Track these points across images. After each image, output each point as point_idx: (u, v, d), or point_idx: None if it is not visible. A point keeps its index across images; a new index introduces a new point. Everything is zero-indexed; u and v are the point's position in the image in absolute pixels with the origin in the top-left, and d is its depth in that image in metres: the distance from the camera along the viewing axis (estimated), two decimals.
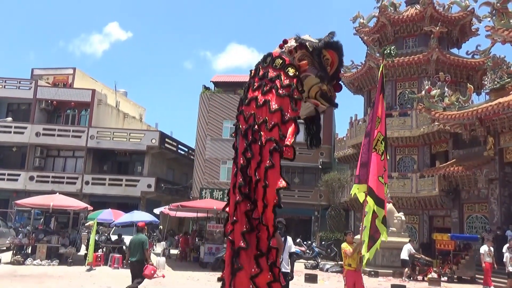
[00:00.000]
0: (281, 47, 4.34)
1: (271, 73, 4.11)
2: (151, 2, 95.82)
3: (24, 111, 31.69)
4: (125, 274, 13.76)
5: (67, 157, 31.58)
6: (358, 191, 10.81)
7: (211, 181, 30.38)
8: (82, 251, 16.97)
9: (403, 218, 18.59)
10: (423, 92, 20.42)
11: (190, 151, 36.09)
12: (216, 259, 16.54)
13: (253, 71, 4.37)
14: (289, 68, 4.08)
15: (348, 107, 73.61)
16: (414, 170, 22.67)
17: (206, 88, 32.64)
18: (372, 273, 16.80)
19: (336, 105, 4.50)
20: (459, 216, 20.63)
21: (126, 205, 28.27)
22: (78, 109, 31.73)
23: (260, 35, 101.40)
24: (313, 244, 23.10)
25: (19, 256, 15.22)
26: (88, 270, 14.40)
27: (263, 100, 4.02)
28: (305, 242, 23.68)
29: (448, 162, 20.91)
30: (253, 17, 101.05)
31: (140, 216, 16.71)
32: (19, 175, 29.95)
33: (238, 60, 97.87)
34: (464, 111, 18.65)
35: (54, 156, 31.64)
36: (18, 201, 16.68)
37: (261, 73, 4.27)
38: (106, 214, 17.67)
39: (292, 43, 4.29)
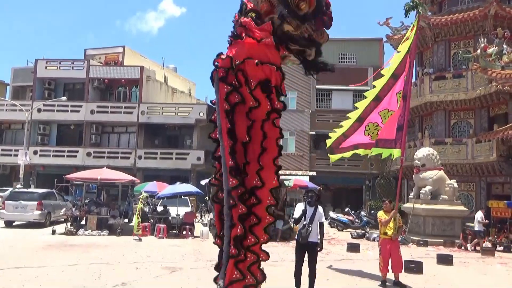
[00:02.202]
0: None
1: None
2: None
3: (79, 90, 33.07)
4: (168, 244, 14.22)
5: (121, 133, 32.78)
6: (394, 154, 10.28)
7: None
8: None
9: (455, 185, 17.57)
10: (478, 51, 18.87)
11: None
12: None
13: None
14: (248, 14, 3.74)
15: None
16: (470, 135, 21.27)
17: None
18: (421, 242, 16.13)
19: (317, 45, 4.04)
20: None
21: (178, 178, 28.98)
22: (128, 86, 32.67)
23: None
24: (362, 213, 22.59)
25: (72, 227, 16.08)
26: (135, 240, 14.94)
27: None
28: (353, 212, 23.19)
29: (507, 125, 19.39)
30: None
31: (183, 187, 17.02)
32: (77, 151, 31.53)
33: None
34: None
35: (108, 133, 32.95)
36: (68, 176, 17.52)
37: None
38: (151, 186, 18.17)
39: None
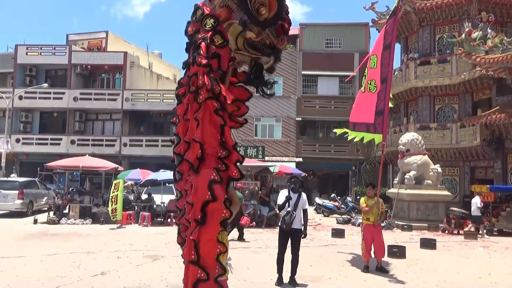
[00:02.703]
0: None
1: (200, 33, 3.77)
2: None
3: (61, 77, 32.42)
4: (152, 232, 14.08)
5: (105, 120, 32.33)
6: (376, 140, 10.21)
7: (245, 139, 30.27)
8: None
9: (440, 170, 17.69)
10: (463, 35, 18.84)
11: None
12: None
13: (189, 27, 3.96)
14: (206, 20, 3.60)
15: None
16: (454, 120, 21.36)
17: None
18: (406, 227, 16.25)
19: (277, 51, 4.01)
20: (503, 167, 19.41)
21: (164, 165, 28.74)
22: (112, 72, 32.11)
23: None
24: (348, 198, 22.66)
25: (54, 216, 15.84)
26: (118, 228, 14.77)
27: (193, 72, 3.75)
28: (339, 197, 23.26)
29: (491, 110, 19.51)
30: None
31: (166, 175, 16.82)
32: (61, 139, 31.03)
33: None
34: (509, 53, 17.09)
35: (92, 120, 32.47)
36: (49, 164, 17.21)
37: (191, 30, 3.85)
38: (135, 174, 17.94)
39: None
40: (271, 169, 17.61)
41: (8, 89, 31.49)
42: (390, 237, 13.95)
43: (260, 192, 18.29)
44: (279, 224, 7.88)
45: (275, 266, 7.60)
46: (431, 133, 21.25)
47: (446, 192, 17.81)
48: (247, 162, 19.37)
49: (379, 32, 25.61)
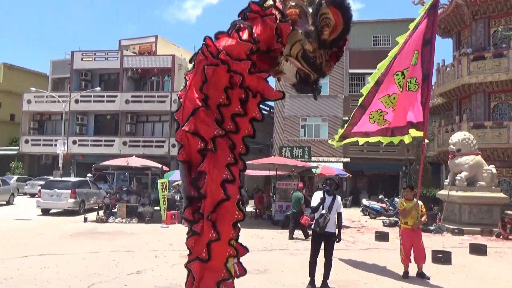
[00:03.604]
0: None
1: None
2: None
3: (114, 81, 33.77)
4: None
5: (155, 122, 33.30)
6: (412, 134, 9.66)
7: (291, 139, 30.11)
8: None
9: (494, 171, 16.65)
10: None
11: (271, 110, 35.95)
12: (285, 217, 16.43)
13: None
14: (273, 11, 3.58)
15: (436, 51, 67.55)
16: None
17: None
18: (456, 231, 15.44)
19: (322, 75, 3.87)
20: None
21: None
22: (161, 75, 33.06)
23: None
24: (396, 200, 21.89)
25: (102, 215, 16.46)
26: (162, 227, 15.11)
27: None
28: (387, 199, 22.55)
29: None
30: None
31: None
32: (113, 140, 32.30)
33: None
34: None
35: (143, 122, 33.55)
36: (97, 164, 17.90)
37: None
38: (178, 174, 18.27)
39: None
40: (313, 170, 17.33)
41: (66, 93, 33.22)
42: (439, 241, 13.35)
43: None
44: (312, 227, 7.70)
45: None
46: (486, 132, 20.10)
47: (501, 195, 16.74)
48: (291, 163, 19.25)
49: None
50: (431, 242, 12.76)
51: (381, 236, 13.57)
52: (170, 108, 31.36)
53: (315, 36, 3.66)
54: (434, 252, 10.07)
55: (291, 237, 13.27)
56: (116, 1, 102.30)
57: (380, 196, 23.60)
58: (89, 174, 24.89)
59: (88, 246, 10.85)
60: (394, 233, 14.65)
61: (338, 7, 3.70)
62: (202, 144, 3.54)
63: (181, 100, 3.69)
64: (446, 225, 16.20)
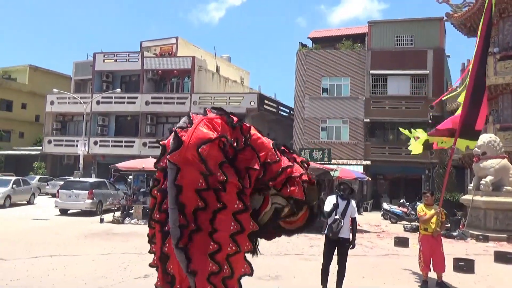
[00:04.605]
0: None
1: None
2: None
3: (135, 82, 34.02)
4: None
5: (174, 123, 32.46)
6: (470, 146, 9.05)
7: (311, 141, 29.70)
8: None
9: None
10: None
11: (291, 112, 35.63)
12: None
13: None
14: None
15: (462, 51, 66.04)
16: None
17: (303, 46, 31.49)
18: (481, 237, 14.81)
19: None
20: None
21: None
22: (181, 77, 33.13)
23: None
24: (418, 204, 21.24)
25: (119, 216, 16.44)
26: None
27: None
28: (408, 203, 21.92)
29: None
30: None
31: None
32: (134, 141, 32.52)
33: (355, 10, 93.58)
34: None
35: (163, 123, 33.66)
36: (116, 165, 17.91)
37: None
38: None
39: None
40: (332, 173, 16.92)
41: (88, 94, 33.63)
42: (462, 248, 12.80)
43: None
44: (325, 232, 7.38)
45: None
46: None
47: None
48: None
49: (454, 26, 23.97)
50: (453, 248, 12.24)
51: (401, 242, 13.10)
52: (189, 109, 31.31)
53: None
54: (456, 260, 9.59)
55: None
56: (140, 3, 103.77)
57: (401, 200, 23.00)
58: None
59: (101, 248, 10.75)
60: (414, 239, 14.09)
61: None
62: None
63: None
64: (470, 231, 15.57)
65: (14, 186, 21.59)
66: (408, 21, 30.12)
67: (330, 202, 7.42)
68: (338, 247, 7.16)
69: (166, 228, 3.15)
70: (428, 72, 28.60)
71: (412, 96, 28.87)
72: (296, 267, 9.25)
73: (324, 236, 7.48)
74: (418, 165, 28.57)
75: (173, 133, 3.19)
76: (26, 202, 22.65)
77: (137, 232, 13.99)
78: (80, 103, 30.91)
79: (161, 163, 3.31)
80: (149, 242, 3.42)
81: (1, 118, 42.47)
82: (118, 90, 30.02)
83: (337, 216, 7.12)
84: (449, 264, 8.53)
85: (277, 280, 8.02)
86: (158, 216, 3.28)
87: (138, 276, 7.87)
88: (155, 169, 3.63)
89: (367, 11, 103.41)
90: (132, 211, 17.27)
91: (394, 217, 20.48)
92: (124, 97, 32.79)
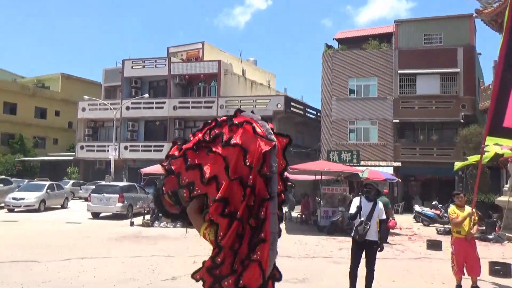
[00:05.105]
0: None
1: None
2: None
3: (162, 87, 34.55)
4: None
5: None
6: None
7: (339, 143, 29.37)
8: None
9: None
10: None
11: (318, 114, 35.37)
12: (331, 223, 15.91)
13: None
14: None
15: (493, 48, 63.91)
16: None
17: (329, 47, 31.23)
18: None
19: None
20: None
21: None
22: (207, 81, 33.41)
23: None
24: (451, 206, 20.66)
25: (148, 219, 16.65)
26: None
27: None
28: (441, 205, 21.34)
29: None
30: None
31: None
32: (162, 146, 32.89)
33: (382, 10, 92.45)
34: None
35: (190, 127, 33.95)
36: (142, 170, 18.18)
37: None
38: None
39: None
40: (360, 174, 16.68)
41: (117, 100, 34.33)
42: (498, 252, 12.35)
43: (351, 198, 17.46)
44: (352, 235, 7.24)
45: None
46: None
47: None
48: (335, 168, 18.66)
49: (485, 23, 23.21)
50: (489, 252, 11.82)
51: (434, 245, 12.74)
52: (216, 113, 31.52)
53: None
54: (492, 264, 9.23)
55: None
56: (166, 10, 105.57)
57: (434, 202, 22.41)
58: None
59: (130, 250, 10.90)
60: (448, 242, 13.71)
61: None
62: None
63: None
64: (507, 234, 15.01)
65: (48, 190, 22.25)
66: (436, 19, 29.43)
67: (355, 204, 7.28)
68: (365, 249, 7.01)
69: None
70: (458, 70, 27.86)
71: (442, 95, 28.18)
72: (324, 270, 9.12)
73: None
74: (451, 166, 27.61)
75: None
76: (60, 206, 23.27)
77: (166, 235, 14.13)
78: (110, 109, 31.58)
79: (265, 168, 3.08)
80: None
81: (36, 125, 43.94)
82: (146, 95, 30.57)
83: (362, 218, 6.98)
84: (484, 268, 8.23)
85: (305, 283, 7.92)
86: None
87: (166, 278, 7.92)
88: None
89: (394, 10, 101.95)
90: (161, 215, 17.46)
91: (426, 220, 19.99)
92: (152, 103, 33.32)
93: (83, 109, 35.93)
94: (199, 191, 2.92)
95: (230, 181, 2.76)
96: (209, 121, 3.23)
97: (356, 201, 7.23)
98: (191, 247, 11.78)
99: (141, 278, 7.90)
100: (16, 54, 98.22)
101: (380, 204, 7.23)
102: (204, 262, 2.83)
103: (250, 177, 2.75)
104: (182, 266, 9.11)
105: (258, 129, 2.86)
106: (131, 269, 8.65)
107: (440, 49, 28.32)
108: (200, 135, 3.13)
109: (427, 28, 29.03)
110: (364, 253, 7.03)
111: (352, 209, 7.16)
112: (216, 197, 2.78)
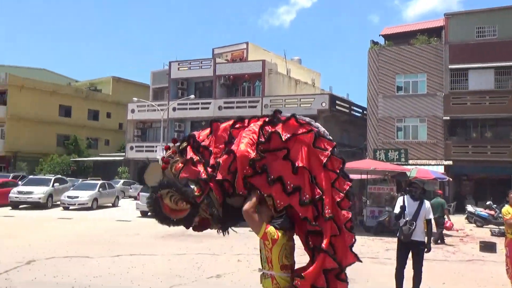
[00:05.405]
0: None
1: None
2: None
3: (208, 88, 35.11)
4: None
5: None
6: None
7: (386, 141, 28.69)
8: None
9: None
10: None
11: (365, 112, 34.70)
12: (378, 223, 15.57)
13: None
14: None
15: None
16: None
17: (375, 43, 30.56)
18: None
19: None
20: None
21: None
22: (252, 81, 33.62)
23: None
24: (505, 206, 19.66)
25: None
26: (251, 231, 15.09)
27: None
28: (495, 206, 20.33)
29: None
30: None
31: None
32: None
33: (432, 3, 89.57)
34: None
35: None
36: None
37: None
38: None
39: None
40: (408, 173, 16.21)
41: (164, 102, 35.23)
42: None
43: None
44: (397, 235, 7.06)
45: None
46: None
47: None
48: (381, 166, 18.24)
49: None
50: None
51: (487, 247, 12.19)
52: (261, 113, 31.64)
53: None
54: None
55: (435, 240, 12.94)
56: (211, 12, 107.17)
57: (488, 202, 21.37)
58: None
59: (176, 248, 11.16)
60: (503, 244, 13.11)
61: None
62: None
63: None
64: None
65: (100, 189, 23.21)
66: (490, 10, 28.07)
67: (398, 204, 7.11)
68: (412, 250, 6.82)
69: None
70: None
71: (497, 90, 26.87)
72: (370, 271, 8.93)
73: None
74: (506, 164, 26.50)
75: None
76: (111, 205, 24.20)
77: (211, 233, 14.12)
78: (158, 110, 32.45)
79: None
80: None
81: (89, 127, 45.98)
82: (192, 96, 31.16)
83: (408, 218, 6.79)
84: None
85: (350, 283, 7.68)
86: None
87: (211, 276, 8.05)
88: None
89: (445, 3, 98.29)
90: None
91: (479, 220, 19.14)
92: (198, 103, 33.93)
93: (132, 111, 37.13)
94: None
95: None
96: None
97: (400, 201, 7.06)
98: (235, 245, 11.90)
99: (186, 275, 8.07)
100: (70, 58, 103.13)
101: (426, 204, 7.00)
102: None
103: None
104: (227, 264, 9.23)
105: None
106: (177, 266, 8.86)
107: (494, 42, 26.99)
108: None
109: (479, 20, 27.76)
110: (410, 254, 6.84)
111: (396, 209, 6.99)
112: (326, 214, 3.41)
